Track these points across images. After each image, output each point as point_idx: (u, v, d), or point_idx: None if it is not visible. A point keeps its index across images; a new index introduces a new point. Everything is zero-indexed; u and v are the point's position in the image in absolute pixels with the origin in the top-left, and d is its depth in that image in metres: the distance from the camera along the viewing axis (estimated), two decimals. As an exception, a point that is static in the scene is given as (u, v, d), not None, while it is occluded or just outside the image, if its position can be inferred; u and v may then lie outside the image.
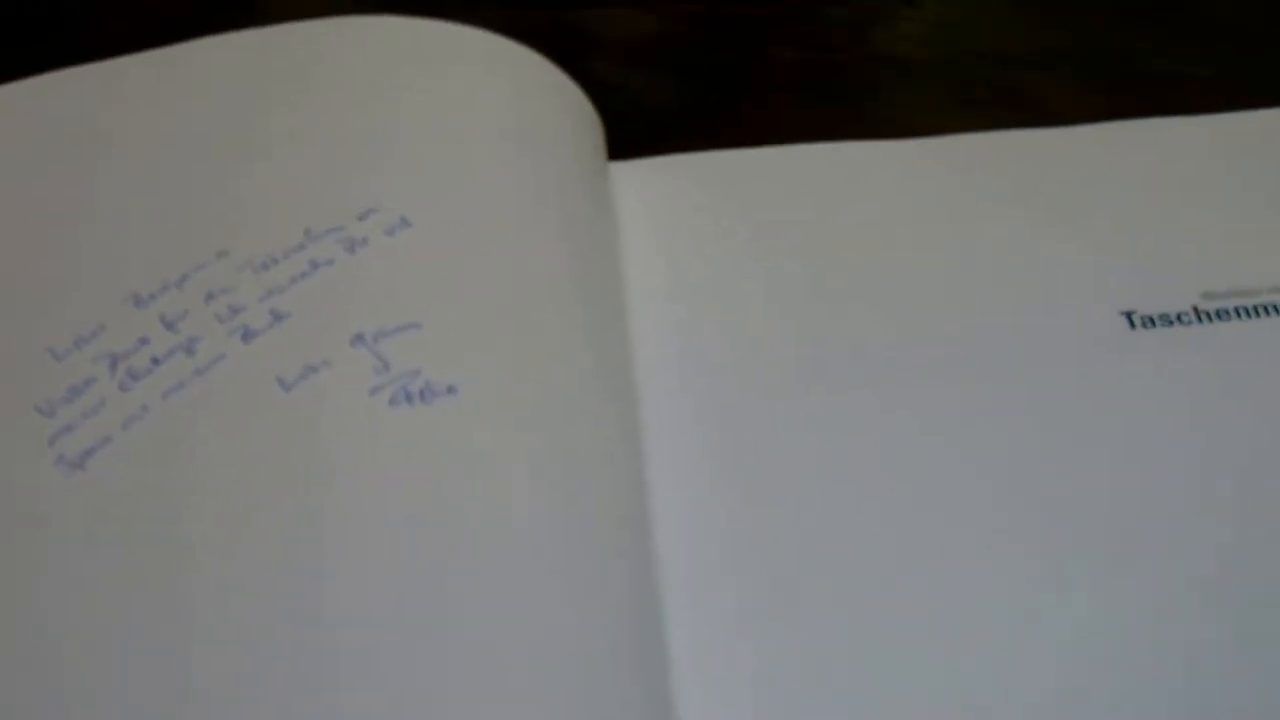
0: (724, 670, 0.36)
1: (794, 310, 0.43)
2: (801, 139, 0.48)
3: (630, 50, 0.53)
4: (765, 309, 0.43)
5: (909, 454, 0.40)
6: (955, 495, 0.39)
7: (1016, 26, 0.54)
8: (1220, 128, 0.48)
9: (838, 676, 0.36)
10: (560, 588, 0.35)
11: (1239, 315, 0.43)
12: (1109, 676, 0.36)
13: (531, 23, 0.51)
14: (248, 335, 0.39)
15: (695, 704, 0.35)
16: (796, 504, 0.39)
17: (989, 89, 0.51)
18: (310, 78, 0.45)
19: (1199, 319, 0.43)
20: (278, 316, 0.39)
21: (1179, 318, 0.43)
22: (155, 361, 0.38)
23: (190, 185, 0.43)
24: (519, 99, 0.45)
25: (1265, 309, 0.43)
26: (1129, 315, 0.43)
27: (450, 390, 0.37)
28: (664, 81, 0.52)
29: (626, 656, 0.35)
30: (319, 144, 0.43)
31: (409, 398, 0.37)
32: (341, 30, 0.46)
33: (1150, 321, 0.43)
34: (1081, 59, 0.52)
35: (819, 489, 0.39)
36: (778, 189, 0.46)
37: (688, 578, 0.37)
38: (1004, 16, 0.54)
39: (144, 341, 0.39)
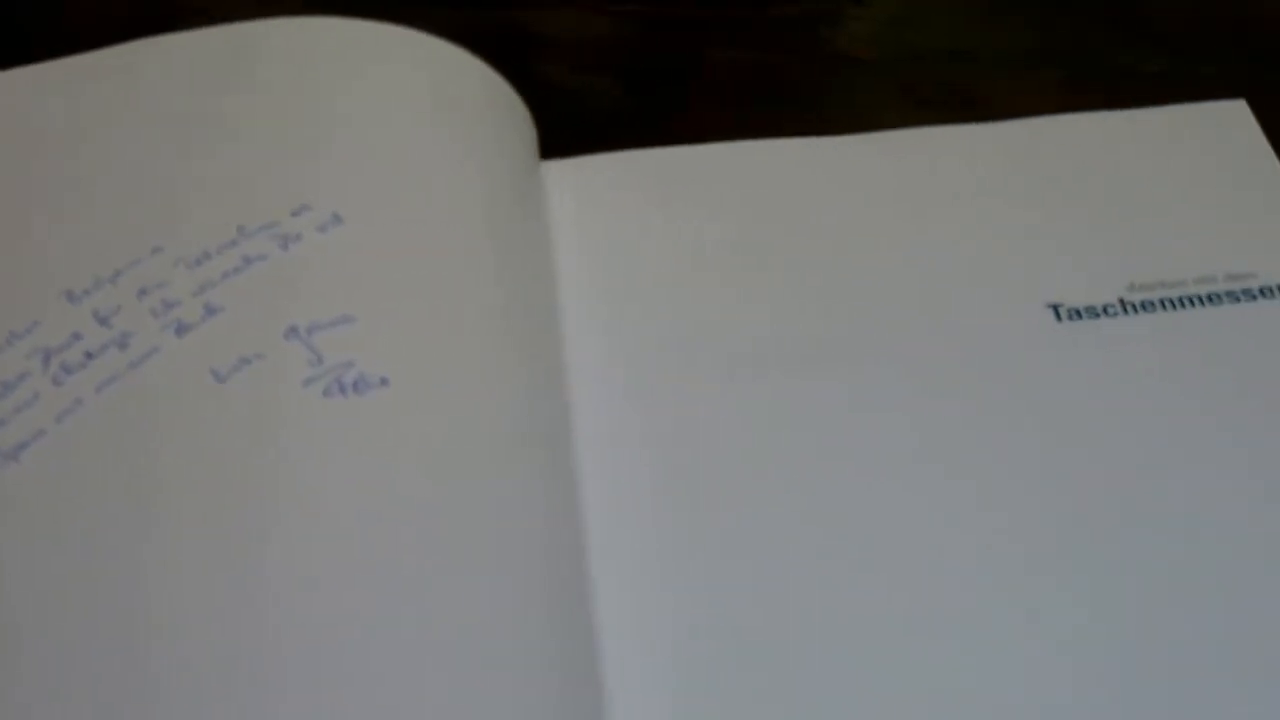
0: (651, 652, 0.36)
1: (723, 301, 0.44)
2: (749, 138, 0.48)
3: (579, 51, 0.53)
4: (694, 300, 0.44)
5: (840, 443, 0.40)
6: (883, 483, 0.39)
7: (965, 24, 0.54)
8: (1147, 122, 0.49)
9: (762, 656, 0.36)
10: (492, 574, 0.35)
11: (1165, 306, 0.43)
12: (1030, 662, 0.36)
13: (480, 24, 0.52)
14: (181, 329, 0.39)
15: (625, 685, 0.35)
16: (725, 490, 0.39)
17: (937, 87, 0.51)
18: (244, 77, 0.45)
19: (1125, 310, 0.43)
20: (211, 311, 0.39)
21: (1105, 309, 0.43)
22: (89, 356, 0.39)
23: (124, 182, 0.43)
24: (450, 98, 0.45)
25: (1191, 300, 0.43)
26: (1055, 308, 0.43)
27: (383, 382, 0.38)
28: (612, 82, 0.52)
29: (557, 641, 0.35)
30: (252, 142, 0.43)
31: (342, 389, 0.37)
32: (275, 31, 0.46)
33: (1077, 314, 0.43)
34: (1031, 57, 0.52)
35: (748, 476, 0.39)
36: (710, 185, 0.47)
37: (619, 564, 0.38)
38: (952, 15, 0.55)
39: (77, 336, 0.39)
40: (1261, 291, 0.44)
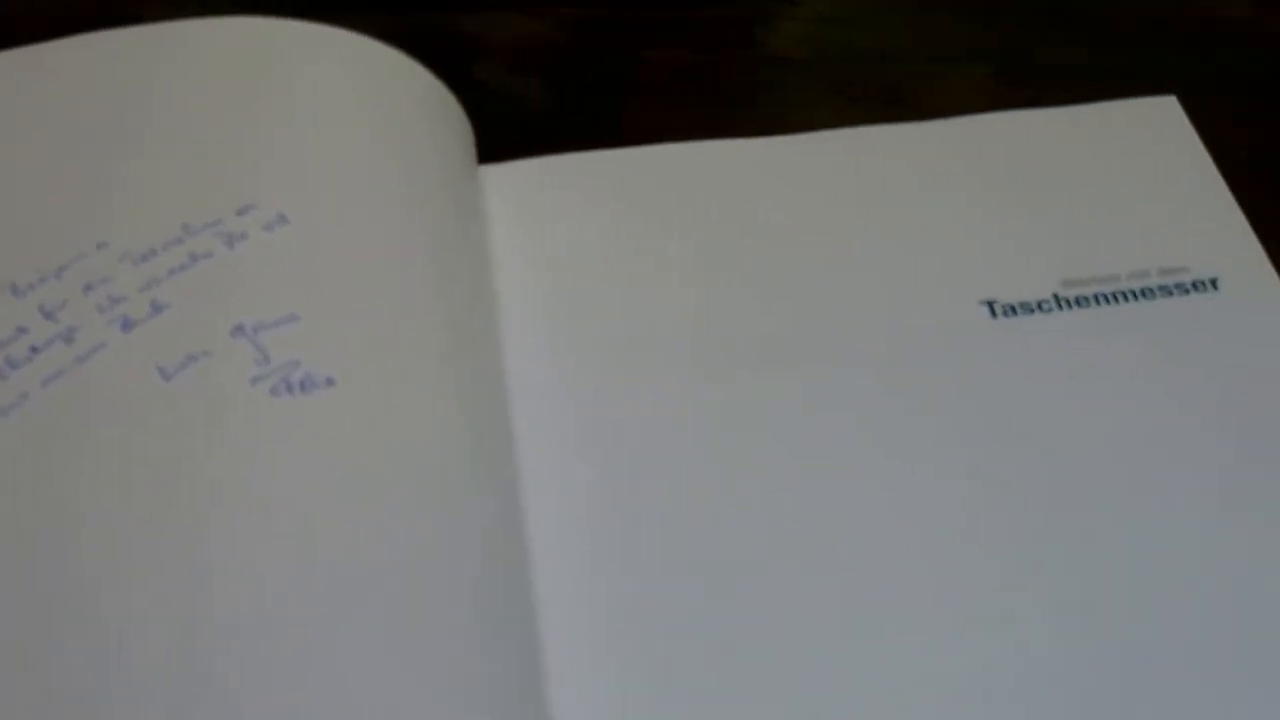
0: (595, 650, 0.37)
1: (658, 301, 0.44)
2: (685, 140, 0.49)
3: (516, 55, 0.53)
4: (631, 301, 0.44)
5: (776, 440, 0.41)
6: (822, 478, 0.40)
7: (894, 23, 0.55)
8: (1080, 118, 0.49)
9: (710, 652, 0.37)
10: (436, 573, 0.35)
11: (1099, 301, 0.44)
12: (962, 657, 0.37)
13: (418, 27, 0.51)
14: (127, 325, 0.39)
15: (566, 690, 0.36)
16: (665, 488, 0.40)
17: (869, 86, 0.51)
18: (188, 76, 0.45)
19: (1060, 306, 0.44)
20: (157, 307, 0.39)
21: (1040, 305, 0.44)
22: (34, 350, 0.39)
23: (69, 178, 0.43)
24: (390, 100, 0.45)
25: (1125, 294, 0.44)
26: (990, 304, 0.44)
27: (329, 381, 0.38)
28: (549, 85, 0.52)
29: (498, 639, 0.35)
30: (197, 141, 0.43)
31: (289, 388, 0.38)
32: (217, 31, 0.46)
33: (1011, 310, 0.44)
34: (961, 54, 0.53)
35: (686, 475, 0.40)
36: (646, 187, 0.47)
37: (561, 563, 0.38)
38: (883, 14, 0.55)
39: (22, 330, 0.39)
40: (1195, 285, 0.44)
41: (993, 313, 0.43)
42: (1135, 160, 0.48)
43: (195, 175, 0.42)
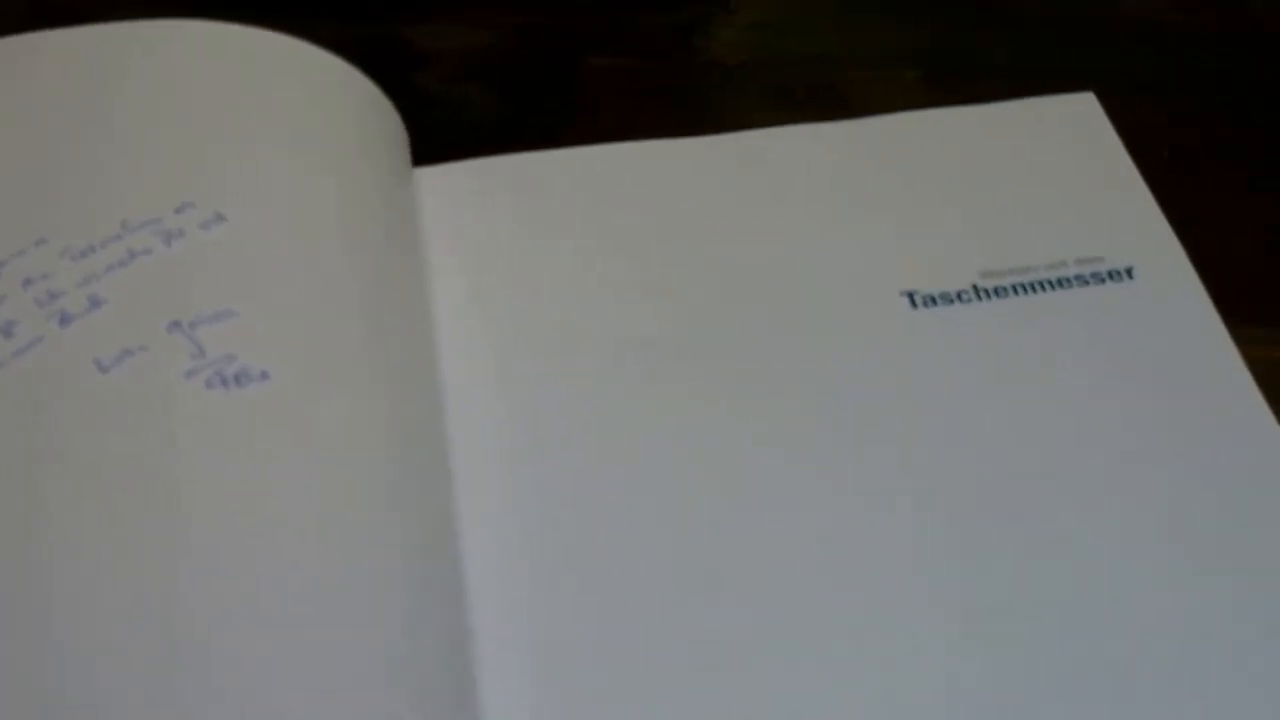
0: (519, 644, 0.37)
1: (588, 298, 0.45)
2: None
3: (460, 63, 0.54)
4: (561, 298, 0.45)
5: (703, 434, 0.42)
6: (745, 472, 0.41)
7: (831, 28, 0.56)
8: (1000, 115, 0.50)
9: (623, 648, 0.38)
10: (367, 566, 0.36)
11: (1017, 291, 0.45)
12: (891, 659, 0.37)
13: (363, 36, 0.52)
14: (65, 320, 0.39)
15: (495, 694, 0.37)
16: (594, 486, 0.41)
17: (806, 90, 0.52)
18: (128, 76, 0.45)
19: (978, 296, 0.44)
20: (95, 302, 0.39)
21: (959, 296, 0.44)
22: None
23: (8, 176, 0.43)
24: (326, 102, 0.46)
25: (1042, 284, 0.45)
26: (911, 295, 0.44)
27: (264, 375, 0.38)
28: (492, 93, 0.53)
29: (431, 628, 0.36)
30: (137, 141, 0.44)
31: (224, 381, 0.38)
32: (158, 33, 0.46)
33: (931, 300, 0.44)
34: (893, 56, 0.54)
35: (615, 468, 0.41)
36: (575, 186, 0.48)
37: (489, 552, 0.39)
38: (821, 18, 0.56)
39: None
40: (1110, 274, 0.45)
41: (913, 303, 0.44)
42: (1054, 155, 0.49)
43: (135, 174, 0.43)
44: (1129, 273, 0.45)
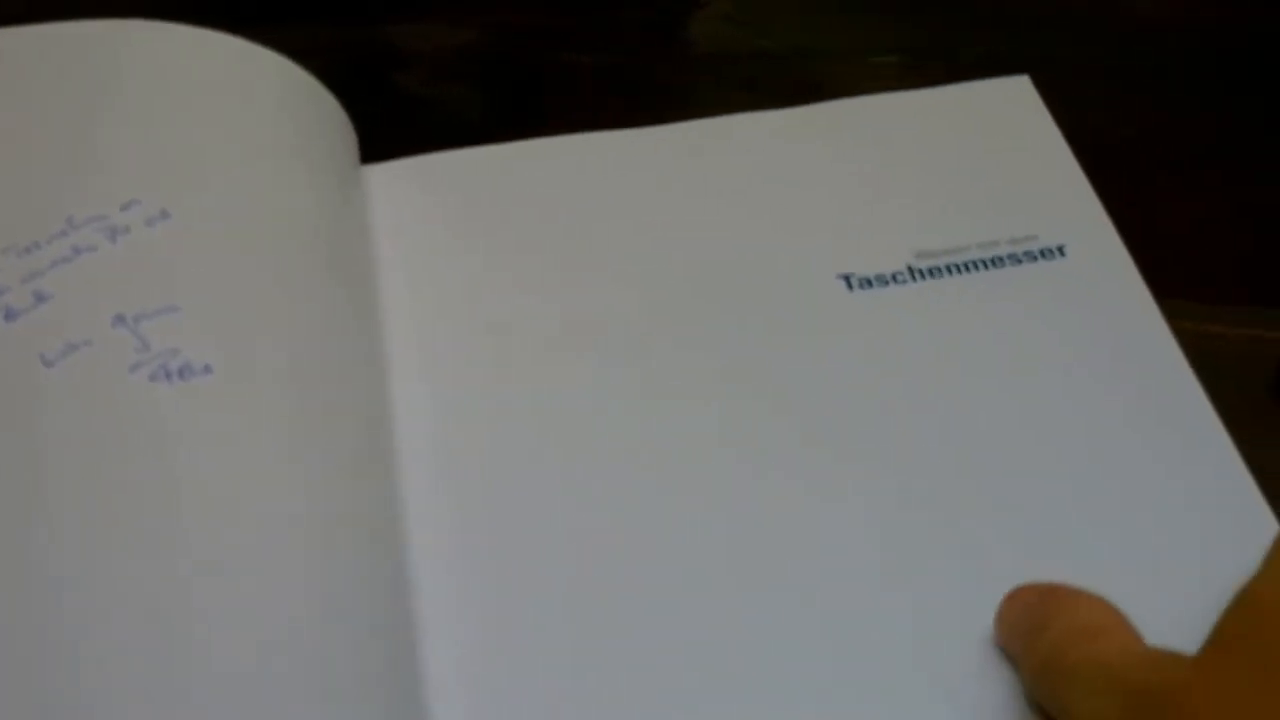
0: (464, 632, 0.38)
1: (535, 288, 0.45)
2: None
3: (441, 63, 0.55)
4: (508, 288, 0.45)
5: (649, 428, 0.42)
6: (688, 459, 0.41)
7: (804, 20, 0.56)
8: (937, 100, 0.51)
9: (566, 629, 0.38)
10: (309, 557, 0.36)
11: (950, 271, 0.45)
12: (827, 633, 0.38)
13: (346, 41, 0.53)
14: (10, 315, 0.39)
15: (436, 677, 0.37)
16: (535, 477, 0.41)
17: (780, 82, 0.53)
18: (76, 77, 0.45)
19: (913, 277, 0.45)
20: (40, 298, 0.40)
21: (894, 277, 0.45)
22: None
23: None
24: (270, 100, 0.46)
25: (975, 264, 0.45)
26: (847, 278, 0.45)
27: (207, 369, 0.38)
28: (473, 92, 0.54)
29: (376, 623, 0.37)
30: (82, 138, 0.44)
31: (168, 375, 0.38)
32: (107, 33, 0.46)
33: (867, 282, 0.45)
34: (871, 48, 0.54)
35: (561, 463, 0.41)
36: (519, 180, 0.48)
37: (433, 542, 0.39)
38: (792, 11, 0.56)
39: None
40: (1042, 253, 0.46)
41: (849, 285, 0.45)
42: (989, 138, 0.49)
43: (80, 172, 0.43)
44: (1060, 250, 0.46)
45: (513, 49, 0.55)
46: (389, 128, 0.49)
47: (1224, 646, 0.30)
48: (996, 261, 0.45)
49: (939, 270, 0.45)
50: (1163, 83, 0.53)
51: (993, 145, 0.49)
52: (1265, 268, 0.47)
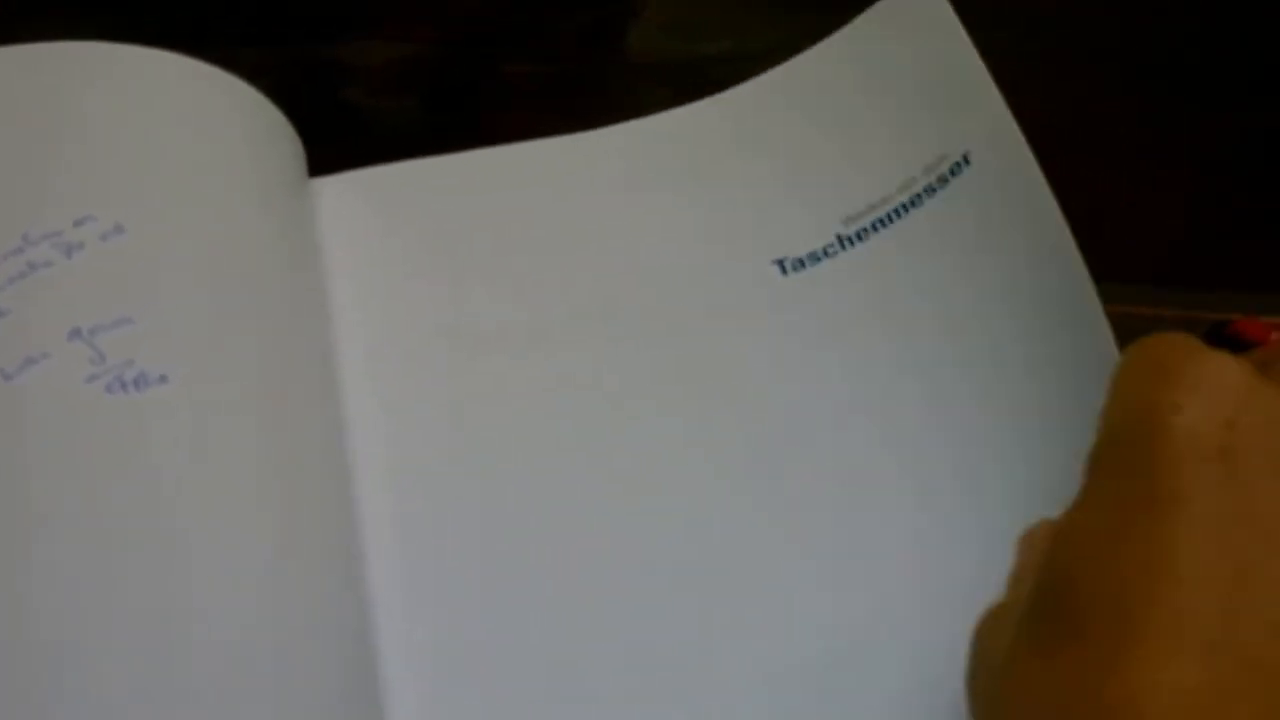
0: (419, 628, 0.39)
1: (480, 290, 0.46)
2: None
3: (384, 77, 0.55)
4: (453, 292, 0.46)
5: (593, 415, 0.43)
6: (651, 459, 0.42)
7: (740, 26, 0.57)
8: (853, 36, 0.49)
9: (516, 625, 0.39)
10: (265, 563, 0.37)
11: (877, 228, 0.45)
12: (765, 633, 0.39)
13: (294, 59, 0.54)
14: None
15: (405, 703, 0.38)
16: (489, 481, 0.42)
17: (719, 87, 0.52)
18: (27, 96, 0.46)
19: (843, 245, 0.45)
20: None
21: (825, 251, 0.45)
22: None
23: None
24: (219, 117, 0.46)
25: (897, 211, 0.45)
26: (780, 262, 0.45)
27: (162, 379, 0.39)
28: (414, 104, 0.55)
29: (333, 631, 0.38)
30: (37, 156, 0.44)
31: (124, 386, 0.39)
32: (57, 54, 0.47)
33: (800, 264, 0.45)
34: (806, 48, 0.53)
35: (512, 466, 0.42)
36: (467, 189, 0.48)
37: (387, 555, 0.41)
38: (727, 17, 0.57)
39: None
40: (952, 170, 0.45)
41: (783, 270, 0.45)
42: (895, 70, 0.47)
43: (35, 189, 0.43)
44: (966, 159, 0.45)
45: (451, 60, 0.56)
46: (336, 141, 0.50)
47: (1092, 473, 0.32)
48: (916, 201, 0.45)
49: (866, 231, 0.45)
50: (1092, 67, 0.54)
51: (899, 77, 0.47)
52: (1196, 251, 0.48)
